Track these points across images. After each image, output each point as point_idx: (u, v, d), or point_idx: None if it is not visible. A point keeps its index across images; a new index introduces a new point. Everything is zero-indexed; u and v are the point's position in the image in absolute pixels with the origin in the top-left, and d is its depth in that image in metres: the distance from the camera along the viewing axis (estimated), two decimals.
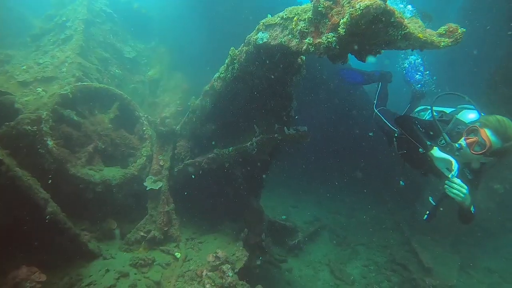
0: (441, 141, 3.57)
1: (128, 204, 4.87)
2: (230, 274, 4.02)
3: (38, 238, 3.90)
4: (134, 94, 5.84)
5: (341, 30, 2.10)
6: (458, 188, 3.24)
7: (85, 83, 4.91)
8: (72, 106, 4.70)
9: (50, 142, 4.24)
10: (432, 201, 3.77)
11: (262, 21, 2.97)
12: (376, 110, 4.96)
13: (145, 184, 4.76)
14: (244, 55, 3.32)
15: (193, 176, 4.78)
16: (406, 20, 2.57)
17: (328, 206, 8.35)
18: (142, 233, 4.65)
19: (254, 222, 4.82)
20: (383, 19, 2.29)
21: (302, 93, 6.93)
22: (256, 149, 3.73)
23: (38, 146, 4.21)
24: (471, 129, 3.30)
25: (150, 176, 4.86)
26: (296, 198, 8.36)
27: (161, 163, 4.95)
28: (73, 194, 4.40)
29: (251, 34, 3.14)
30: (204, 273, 4.04)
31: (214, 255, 4.22)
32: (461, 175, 3.43)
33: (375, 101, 5.14)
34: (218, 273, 4.06)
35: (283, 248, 6.51)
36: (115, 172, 4.71)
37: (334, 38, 2.18)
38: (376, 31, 2.39)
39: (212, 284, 3.94)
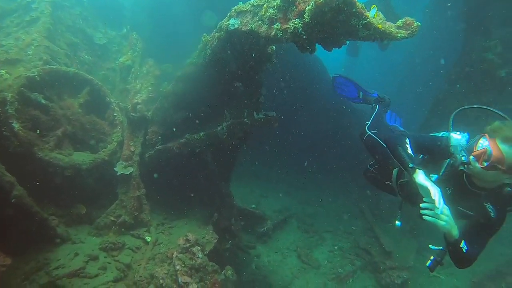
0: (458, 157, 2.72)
1: (98, 189, 4.85)
2: (200, 256, 4.14)
3: (3, 223, 3.84)
4: (105, 81, 5.77)
5: (306, 17, 2.27)
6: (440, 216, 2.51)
7: (53, 67, 4.83)
8: (40, 90, 4.60)
9: (16, 125, 4.16)
10: (434, 248, 2.95)
11: (234, 7, 3.09)
12: (369, 132, 3.99)
13: (115, 169, 4.77)
14: (216, 41, 3.43)
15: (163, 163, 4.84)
16: (366, 11, 2.78)
17: (297, 196, 8.62)
18: (112, 218, 4.66)
19: (224, 206, 4.96)
20: (346, 8, 2.48)
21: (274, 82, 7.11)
22: (226, 134, 3.86)
23: (3, 129, 4.12)
24: (481, 139, 2.56)
25: (121, 162, 4.86)
26: (266, 188, 8.56)
27: (132, 148, 4.97)
28: (41, 178, 4.35)
29: (223, 21, 3.26)
30: (174, 255, 4.13)
31: (185, 238, 4.32)
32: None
33: (368, 122, 4.20)
34: (188, 255, 4.16)
35: (252, 235, 6.69)
36: (85, 157, 4.68)
37: (300, 24, 2.35)
38: (339, 20, 2.58)
39: (183, 265, 4.04)
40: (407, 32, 2.94)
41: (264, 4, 2.72)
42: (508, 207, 2.74)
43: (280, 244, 6.83)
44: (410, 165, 2.67)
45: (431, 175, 2.84)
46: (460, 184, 2.75)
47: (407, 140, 2.91)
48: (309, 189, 8.84)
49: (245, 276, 5.50)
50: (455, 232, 2.60)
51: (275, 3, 2.57)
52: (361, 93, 4.74)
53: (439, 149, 2.90)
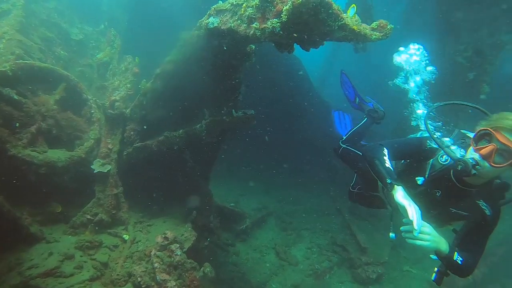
0: (441, 157, 2.69)
1: (74, 188, 4.76)
2: (179, 253, 4.14)
3: None
4: (82, 78, 5.65)
5: (284, 17, 2.33)
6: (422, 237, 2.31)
7: (27, 61, 4.71)
8: (12, 85, 4.48)
9: None
10: (436, 258, 2.62)
11: (214, 6, 3.13)
12: (343, 145, 3.83)
13: (92, 167, 4.70)
14: (196, 39, 3.45)
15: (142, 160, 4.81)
16: (342, 12, 2.88)
17: (275, 194, 8.72)
18: (88, 216, 4.59)
19: (203, 204, 4.97)
20: (322, 10, 2.57)
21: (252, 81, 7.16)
22: (205, 131, 3.89)
23: None
24: (481, 135, 2.35)
25: (98, 159, 4.80)
26: (245, 186, 8.61)
27: (110, 146, 4.90)
28: (14, 176, 4.23)
29: (202, 19, 3.29)
30: (152, 253, 4.11)
31: (163, 236, 4.30)
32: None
33: (344, 136, 4.02)
34: (166, 253, 4.15)
35: (231, 234, 6.73)
36: (61, 154, 4.58)
37: (278, 24, 2.41)
38: (316, 21, 2.67)
39: (161, 263, 4.03)
40: (381, 34, 3.07)
41: (243, 3, 2.77)
42: (501, 199, 2.59)
43: (258, 241, 6.90)
44: (388, 181, 2.45)
45: (417, 178, 2.76)
46: (449, 184, 2.59)
47: (385, 151, 2.68)
48: (287, 187, 8.95)
49: (224, 273, 5.53)
50: (443, 247, 2.41)
51: (253, 3, 2.63)
52: (357, 98, 4.59)
53: (421, 151, 2.78)
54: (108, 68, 5.54)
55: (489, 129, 2.29)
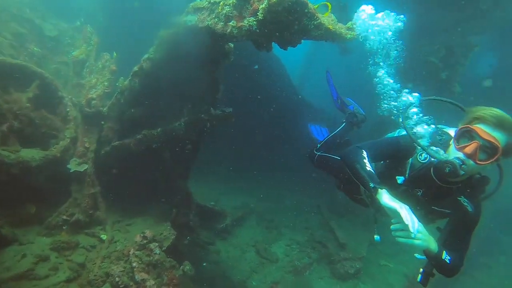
0: (420, 155, 2.65)
1: (49, 188, 4.65)
2: (158, 252, 4.11)
3: None
4: (57, 75, 5.50)
5: (260, 15, 2.36)
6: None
7: None
8: None
9: None
10: (420, 257, 2.54)
11: (191, 4, 3.13)
12: (318, 153, 3.71)
13: (68, 166, 4.60)
14: (174, 37, 3.44)
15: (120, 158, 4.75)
16: (319, 12, 2.94)
17: (256, 193, 8.76)
18: (64, 217, 4.50)
19: (182, 203, 4.95)
20: (298, 9, 2.62)
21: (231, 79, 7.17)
22: (184, 130, 3.88)
23: None
24: (462, 133, 2.30)
25: (74, 159, 4.70)
26: (225, 185, 8.61)
27: (87, 145, 4.81)
28: None
29: (180, 16, 3.28)
30: (131, 252, 4.07)
31: (142, 235, 4.27)
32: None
33: (319, 144, 3.89)
34: (145, 252, 4.12)
35: (211, 232, 6.72)
36: (35, 153, 4.46)
37: (254, 22, 2.45)
38: (292, 20, 2.72)
39: (139, 262, 3.99)
40: (356, 33, 3.15)
41: (220, 1, 2.78)
42: (481, 195, 2.58)
43: (239, 240, 6.92)
44: (371, 185, 2.35)
45: (397, 177, 2.71)
46: (430, 183, 2.54)
47: (364, 153, 2.60)
48: (268, 186, 9.02)
49: (204, 272, 5.52)
50: (433, 246, 2.36)
51: (231, 1, 2.65)
52: (339, 100, 4.50)
53: (400, 151, 2.72)
54: (85, 65, 5.42)
55: (470, 126, 2.23)
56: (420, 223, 2.25)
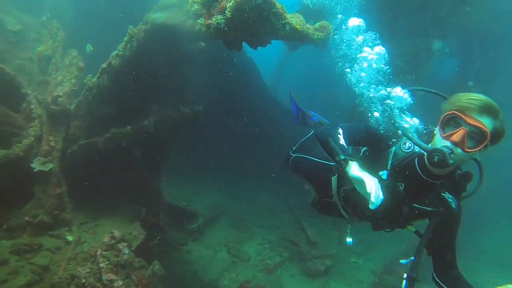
0: (404, 144, 2.44)
1: (11, 188, 4.46)
2: (126, 252, 4.04)
3: None
4: (21, 71, 5.29)
5: (228, 13, 2.40)
6: None
7: None
8: None
9: None
10: (405, 262, 2.50)
11: (161, 1, 3.12)
12: (293, 155, 3.54)
13: (32, 165, 4.44)
14: (143, 33, 3.41)
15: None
16: (287, 13, 3.01)
17: (229, 193, 8.76)
18: (27, 218, 4.33)
19: (152, 202, 4.90)
20: (266, 8, 2.68)
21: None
22: (153, 127, 3.85)
23: None
24: (447, 120, 2.14)
25: (38, 158, 4.54)
26: (198, 185, 8.57)
27: (52, 144, 4.66)
28: None
29: (149, 14, 3.27)
30: (98, 253, 3.98)
31: (110, 235, 4.18)
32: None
33: (294, 147, 3.75)
34: (113, 252, 4.04)
35: (183, 232, 6.67)
36: None
37: (222, 20, 2.48)
38: (261, 19, 2.77)
39: (107, 262, 3.91)
40: (323, 34, 3.25)
41: None
42: (462, 192, 2.38)
43: (211, 240, 6.91)
44: (342, 157, 2.21)
45: (380, 172, 2.46)
46: (413, 176, 2.34)
47: (340, 131, 2.45)
48: (240, 186, 9.04)
49: (175, 272, 5.48)
50: None
51: None
52: (300, 113, 4.27)
53: (381, 138, 2.50)
54: (51, 62, 5.25)
55: (456, 112, 2.06)
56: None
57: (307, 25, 3.20)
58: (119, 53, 3.85)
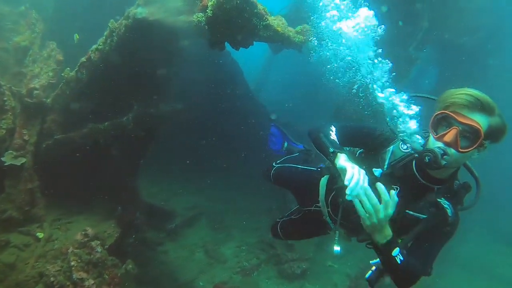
0: (402, 144, 2.29)
1: None
2: (99, 250, 3.96)
3: None
4: None
5: (209, 11, 2.40)
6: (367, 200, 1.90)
7: None
8: None
9: None
10: (374, 262, 2.27)
11: None
12: (276, 165, 3.34)
13: (3, 159, 4.30)
14: (124, 28, 3.37)
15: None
16: (269, 14, 3.04)
17: (208, 193, 8.70)
18: None
19: (129, 200, 4.82)
20: (248, 8, 2.69)
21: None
22: (132, 124, 3.79)
23: None
24: (438, 121, 2.03)
25: (10, 151, 4.40)
26: (177, 185, 8.48)
27: (26, 137, 4.53)
28: None
29: (131, 8, 3.23)
30: (69, 250, 3.88)
31: (83, 232, 4.09)
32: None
33: (279, 160, 3.54)
34: (86, 250, 3.95)
35: (160, 232, 6.58)
36: None
37: (203, 18, 2.48)
38: (242, 19, 2.78)
39: (78, 261, 3.82)
40: (304, 38, 3.29)
41: None
42: (459, 205, 2.20)
43: (188, 240, 6.84)
44: (331, 149, 2.14)
45: (373, 169, 2.31)
46: (409, 178, 2.18)
47: (333, 128, 2.39)
48: (220, 187, 9.00)
49: (150, 271, 5.39)
50: (383, 232, 1.96)
51: None
52: (285, 143, 4.08)
53: (376, 137, 2.39)
54: (28, 53, 5.11)
55: (447, 112, 1.94)
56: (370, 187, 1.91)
57: (289, 28, 3.23)
58: (99, 47, 3.78)
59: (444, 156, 1.93)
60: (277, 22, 3.07)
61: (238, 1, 2.39)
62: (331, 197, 2.60)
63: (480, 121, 1.88)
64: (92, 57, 3.93)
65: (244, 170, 9.26)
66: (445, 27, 7.77)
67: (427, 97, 2.28)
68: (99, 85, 4.09)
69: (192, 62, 4.92)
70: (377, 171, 2.29)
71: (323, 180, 2.71)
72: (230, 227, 7.70)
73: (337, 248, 2.28)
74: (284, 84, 15.69)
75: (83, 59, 4.10)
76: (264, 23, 2.74)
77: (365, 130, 2.46)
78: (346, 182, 1.85)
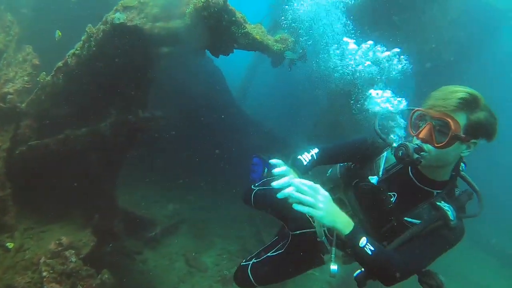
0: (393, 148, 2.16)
1: None
2: (73, 260, 3.85)
3: None
4: None
5: (187, 19, 2.40)
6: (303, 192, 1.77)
7: None
8: None
9: None
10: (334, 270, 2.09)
11: (121, 2, 3.06)
12: (255, 188, 3.01)
13: None
14: (101, 34, 3.32)
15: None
16: (248, 23, 3.05)
17: (190, 201, 8.61)
18: None
19: (107, 208, 4.71)
20: (226, 16, 2.70)
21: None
22: (110, 131, 3.72)
23: None
24: (415, 120, 2.03)
25: None
26: (158, 193, 8.36)
27: None
28: None
29: (109, 13, 3.19)
30: (41, 260, 3.76)
31: (57, 242, 3.97)
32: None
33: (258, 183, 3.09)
34: (59, 260, 3.83)
35: (139, 241, 6.45)
36: None
37: (181, 25, 2.47)
38: (220, 27, 2.79)
39: (51, 271, 3.70)
40: (283, 46, 3.33)
41: (150, 2, 2.77)
42: (462, 212, 2.04)
43: (169, 249, 6.73)
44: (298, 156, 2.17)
45: (369, 177, 2.26)
46: (406, 184, 2.11)
47: (315, 149, 2.37)
48: (202, 195, 8.92)
49: (128, 281, 5.26)
50: (342, 226, 1.81)
51: (160, 2, 2.65)
52: (265, 169, 3.98)
53: (367, 147, 2.36)
54: (2, 57, 4.97)
55: (420, 109, 1.96)
56: (321, 188, 1.80)
57: (268, 36, 3.26)
58: (76, 52, 3.71)
59: (421, 153, 1.90)
60: (256, 30, 3.09)
61: (216, 9, 2.40)
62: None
63: (456, 116, 1.83)
64: (69, 62, 3.86)
65: (227, 177, 9.23)
66: (421, 39, 8.02)
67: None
68: (76, 90, 4.01)
69: (172, 69, 4.90)
70: (373, 179, 2.24)
71: None
72: (211, 235, 7.63)
73: (334, 267, 2.10)
74: (268, 91, 15.79)
75: (60, 63, 4.02)
76: (242, 31, 2.76)
77: (353, 142, 2.43)
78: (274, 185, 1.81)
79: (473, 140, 1.89)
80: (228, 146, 9.12)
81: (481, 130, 1.87)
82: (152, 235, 6.58)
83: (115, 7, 3.09)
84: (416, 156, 1.89)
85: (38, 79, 4.30)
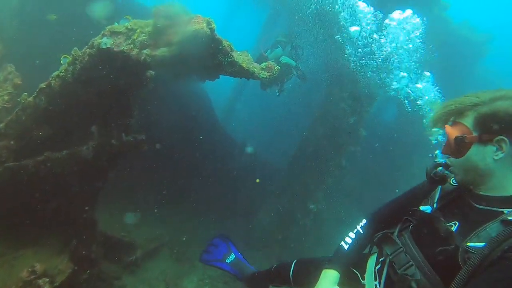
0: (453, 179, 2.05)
1: None
2: None
3: None
4: None
5: (174, 47, 2.44)
6: None
7: None
8: None
9: None
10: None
11: (108, 27, 3.09)
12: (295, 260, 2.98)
13: None
14: (87, 57, 3.32)
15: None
16: (235, 51, 3.12)
17: (171, 224, 8.44)
18: None
19: (85, 233, 4.57)
20: (213, 45, 2.75)
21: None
22: (92, 154, 3.66)
23: None
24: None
25: None
26: (140, 216, 8.16)
27: None
28: None
29: (96, 38, 3.20)
30: None
31: (30, 269, 3.81)
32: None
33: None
34: None
35: (118, 265, 6.24)
36: None
37: (167, 53, 2.50)
38: (207, 56, 2.84)
39: None
40: (269, 74, 3.39)
41: (137, 29, 2.80)
42: None
43: (149, 273, 6.53)
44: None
45: (421, 207, 2.12)
46: (465, 208, 1.88)
47: (363, 221, 2.39)
48: (184, 218, 8.77)
49: None
50: None
51: (147, 30, 2.69)
52: (232, 255, 4.07)
53: (421, 188, 2.26)
54: None
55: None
56: None
57: (254, 64, 3.32)
58: (61, 74, 3.68)
59: (450, 168, 1.95)
60: (242, 58, 3.15)
61: (203, 39, 2.45)
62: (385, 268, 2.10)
63: (463, 121, 1.83)
64: (52, 84, 3.82)
65: (209, 199, 9.14)
66: None
67: None
68: (58, 112, 3.95)
69: (157, 93, 4.90)
70: (425, 208, 2.09)
71: (372, 260, 2.32)
72: (193, 258, 7.45)
73: None
74: (253, 113, 15.91)
75: (43, 85, 3.96)
76: (229, 59, 2.81)
77: (416, 187, 2.32)
78: None
79: (496, 138, 1.71)
80: (212, 169, 9.09)
81: (497, 123, 1.70)
82: (132, 259, 6.38)
83: (102, 32, 3.11)
84: (445, 171, 1.96)
85: (19, 99, 4.22)
